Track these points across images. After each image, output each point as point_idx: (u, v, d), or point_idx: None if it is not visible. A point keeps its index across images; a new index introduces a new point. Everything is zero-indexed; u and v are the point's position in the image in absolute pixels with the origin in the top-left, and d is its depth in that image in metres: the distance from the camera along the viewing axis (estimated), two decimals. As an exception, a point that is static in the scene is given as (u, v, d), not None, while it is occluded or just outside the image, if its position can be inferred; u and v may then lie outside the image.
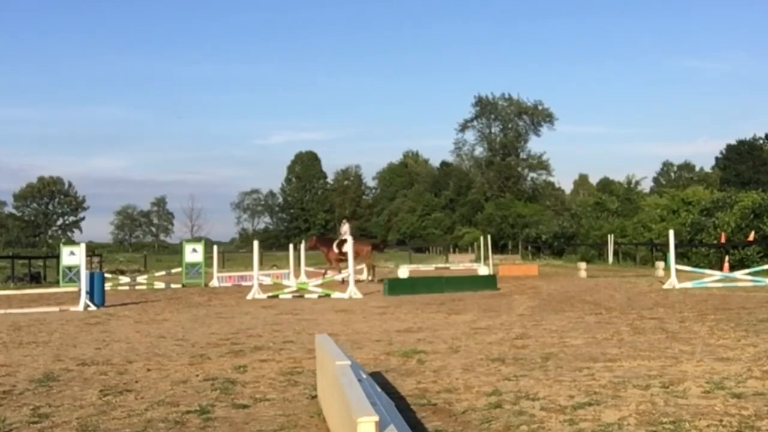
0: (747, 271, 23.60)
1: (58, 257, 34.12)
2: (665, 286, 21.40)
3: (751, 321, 12.80)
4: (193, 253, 33.23)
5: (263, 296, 21.52)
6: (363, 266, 29.39)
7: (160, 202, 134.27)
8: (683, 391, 7.22)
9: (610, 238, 49.56)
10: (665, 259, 28.54)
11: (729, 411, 6.38)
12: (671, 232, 23.74)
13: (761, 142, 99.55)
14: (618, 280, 27.53)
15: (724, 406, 6.58)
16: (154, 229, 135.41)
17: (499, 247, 64.56)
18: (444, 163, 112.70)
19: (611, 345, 10.38)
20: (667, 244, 24.83)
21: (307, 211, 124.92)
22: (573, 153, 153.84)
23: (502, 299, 19.19)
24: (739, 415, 6.23)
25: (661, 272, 29.05)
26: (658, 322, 12.96)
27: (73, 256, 31.53)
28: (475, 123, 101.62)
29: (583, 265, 33.25)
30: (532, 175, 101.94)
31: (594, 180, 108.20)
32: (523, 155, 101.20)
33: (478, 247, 45.97)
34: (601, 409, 6.55)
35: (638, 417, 6.26)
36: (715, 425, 5.95)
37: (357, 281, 23.11)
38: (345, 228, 30.47)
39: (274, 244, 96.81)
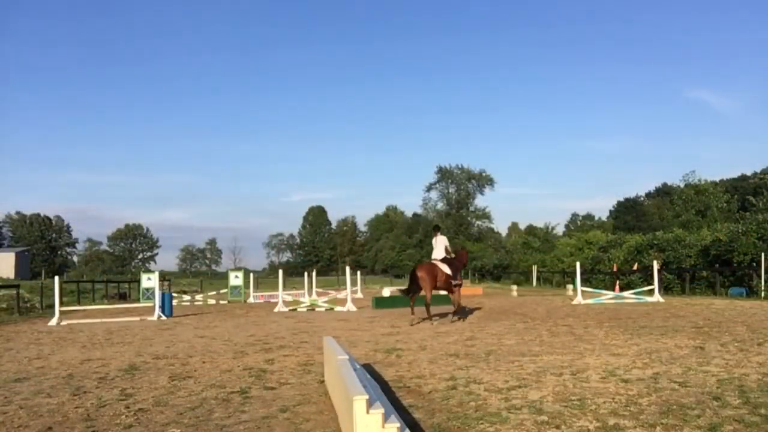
0: (632, 291, 23.66)
1: (139, 281, 33.94)
2: (573, 302, 21.42)
3: (635, 327, 12.84)
4: (236, 279, 33.24)
5: (286, 309, 21.43)
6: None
7: (212, 242, 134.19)
8: (586, 377, 7.23)
9: (534, 268, 49.61)
10: (573, 282, 28.62)
11: (619, 391, 6.40)
12: (578, 264, 23.85)
13: (642, 199, 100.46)
14: (540, 297, 27.55)
15: (616, 388, 6.60)
16: (207, 262, 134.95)
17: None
18: (415, 214, 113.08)
19: (535, 344, 10.39)
20: (575, 272, 24.90)
21: (317, 248, 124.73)
22: (507, 207, 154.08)
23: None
24: (627, 395, 6.25)
25: (570, 292, 29.10)
26: (569, 328, 12.98)
27: (150, 280, 31.42)
28: (437, 185, 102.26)
29: (514, 287, 33.29)
30: (478, 223, 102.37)
31: (522, 226, 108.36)
32: (471, 209, 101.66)
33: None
34: (527, 390, 6.55)
35: (554, 396, 6.27)
36: (609, 402, 5.97)
37: None
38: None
39: (294, 272, 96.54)
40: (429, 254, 16.46)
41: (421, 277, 14.72)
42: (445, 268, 15.07)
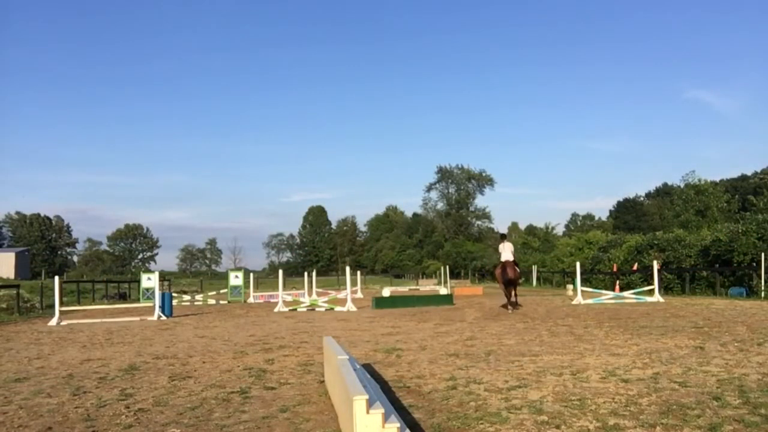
0: (632, 291, 23.66)
1: (139, 281, 33.96)
2: (573, 302, 21.41)
3: (635, 327, 12.83)
4: (236, 279, 33.20)
5: (286, 309, 21.43)
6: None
7: (212, 242, 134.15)
8: (586, 377, 7.23)
9: (534, 268, 49.62)
10: (573, 282, 28.61)
11: (619, 392, 6.40)
12: (578, 264, 23.85)
13: (641, 199, 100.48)
14: (540, 297, 27.56)
15: (616, 388, 6.59)
16: (207, 262, 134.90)
17: (454, 274, 64.32)
18: (415, 214, 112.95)
19: (535, 344, 10.38)
20: (575, 272, 24.88)
21: (317, 248, 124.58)
22: (507, 206, 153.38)
23: (457, 311, 19.15)
24: (627, 395, 6.24)
25: (570, 292, 29.11)
26: (569, 328, 12.97)
27: (150, 280, 31.47)
28: (437, 185, 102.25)
29: (515, 287, 33.08)
30: (478, 223, 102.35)
31: (522, 226, 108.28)
32: (471, 209, 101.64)
33: (440, 274, 45.93)
34: (527, 390, 6.55)
35: (554, 396, 6.27)
36: (609, 402, 5.96)
37: None
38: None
39: (294, 272, 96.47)
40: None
41: (513, 277, 18.96)
42: (517, 269, 19.40)
